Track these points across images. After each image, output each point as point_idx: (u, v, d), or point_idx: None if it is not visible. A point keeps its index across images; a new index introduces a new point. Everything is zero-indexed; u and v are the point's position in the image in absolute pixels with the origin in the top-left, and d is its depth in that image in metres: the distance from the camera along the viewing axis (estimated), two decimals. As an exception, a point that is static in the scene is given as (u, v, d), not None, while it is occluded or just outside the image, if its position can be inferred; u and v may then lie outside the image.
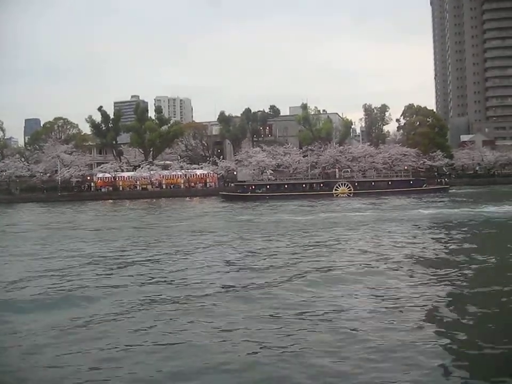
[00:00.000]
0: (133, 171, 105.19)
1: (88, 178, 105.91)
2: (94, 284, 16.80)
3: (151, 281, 17.23)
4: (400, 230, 30.40)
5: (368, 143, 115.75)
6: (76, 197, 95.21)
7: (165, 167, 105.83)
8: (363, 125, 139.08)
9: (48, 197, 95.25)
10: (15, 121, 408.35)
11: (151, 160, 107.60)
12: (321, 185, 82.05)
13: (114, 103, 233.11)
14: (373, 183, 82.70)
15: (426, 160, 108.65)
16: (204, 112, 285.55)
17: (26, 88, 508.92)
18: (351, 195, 76.96)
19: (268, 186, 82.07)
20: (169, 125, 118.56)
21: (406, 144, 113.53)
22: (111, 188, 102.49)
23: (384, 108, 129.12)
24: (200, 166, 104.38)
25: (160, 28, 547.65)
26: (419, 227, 31.67)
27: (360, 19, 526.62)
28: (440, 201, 57.28)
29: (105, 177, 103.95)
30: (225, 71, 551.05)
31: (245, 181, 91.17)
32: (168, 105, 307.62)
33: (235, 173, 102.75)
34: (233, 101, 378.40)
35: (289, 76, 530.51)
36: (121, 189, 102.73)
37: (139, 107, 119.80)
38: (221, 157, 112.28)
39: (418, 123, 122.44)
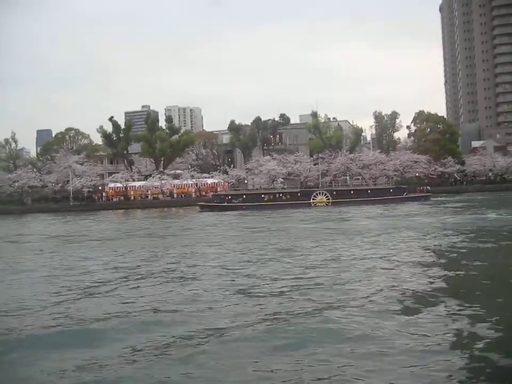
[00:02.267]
0: (144, 180, 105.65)
1: (100, 188, 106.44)
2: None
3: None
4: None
5: (379, 150, 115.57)
6: (88, 206, 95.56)
7: (176, 176, 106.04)
8: (373, 132, 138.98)
9: (60, 207, 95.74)
10: (27, 132, 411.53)
11: (162, 169, 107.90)
12: (299, 194, 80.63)
13: (125, 113, 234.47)
14: (352, 192, 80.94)
15: (437, 166, 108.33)
16: (214, 121, 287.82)
17: (37, 99, 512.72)
18: (329, 204, 75.93)
19: (245, 196, 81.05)
20: (179, 134, 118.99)
21: (417, 151, 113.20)
22: (122, 198, 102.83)
23: (394, 115, 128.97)
24: (211, 175, 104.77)
25: (169, 37, 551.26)
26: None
27: (365, 23, 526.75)
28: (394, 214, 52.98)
29: (117, 187, 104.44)
30: (235, 78, 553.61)
31: (221, 191, 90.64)
32: (179, 115, 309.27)
33: (246, 181, 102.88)
34: (243, 109, 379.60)
35: (298, 83, 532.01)
36: (132, 198, 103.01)
37: (150, 117, 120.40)
38: (232, 165, 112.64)
39: (429, 130, 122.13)
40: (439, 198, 78.01)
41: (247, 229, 41.84)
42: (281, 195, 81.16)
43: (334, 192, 79.55)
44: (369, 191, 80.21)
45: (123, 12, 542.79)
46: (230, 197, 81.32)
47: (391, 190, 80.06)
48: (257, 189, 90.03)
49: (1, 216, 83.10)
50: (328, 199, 77.54)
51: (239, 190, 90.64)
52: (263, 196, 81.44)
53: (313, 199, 77.86)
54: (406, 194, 78.94)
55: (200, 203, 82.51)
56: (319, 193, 79.06)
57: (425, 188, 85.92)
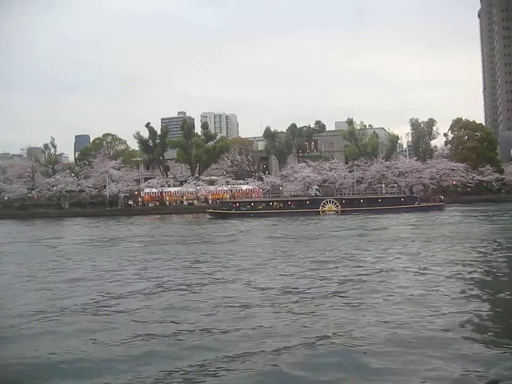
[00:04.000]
0: (179, 186, 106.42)
1: (136, 193, 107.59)
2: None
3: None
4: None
5: (415, 158, 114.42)
6: (124, 211, 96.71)
7: (211, 183, 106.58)
8: (410, 140, 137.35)
9: (97, 211, 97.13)
10: (66, 138, 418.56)
11: (197, 175, 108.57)
12: (308, 202, 79.75)
13: (161, 119, 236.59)
14: (362, 201, 79.66)
15: (475, 175, 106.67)
16: (250, 128, 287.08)
17: (76, 105, 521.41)
18: (339, 212, 74.82)
19: (253, 204, 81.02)
20: (215, 140, 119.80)
21: (454, 158, 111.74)
22: (158, 203, 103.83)
23: (431, 122, 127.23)
24: (246, 181, 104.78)
25: (205, 44, 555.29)
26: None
27: (401, 30, 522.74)
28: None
29: (152, 192, 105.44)
30: (270, 85, 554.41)
31: (232, 199, 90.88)
32: (214, 121, 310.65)
33: (280, 188, 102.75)
34: (278, 116, 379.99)
35: (334, 90, 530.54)
36: (167, 203, 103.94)
37: (185, 123, 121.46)
38: (267, 172, 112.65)
39: (466, 137, 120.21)
40: (457, 208, 76.36)
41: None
42: (289, 203, 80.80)
43: (344, 201, 78.54)
44: (379, 200, 78.79)
45: (160, 18, 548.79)
46: (238, 204, 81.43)
47: (402, 199, 78.68)
48: (267, 197, 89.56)
49: (41, 220, 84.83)
50: (337, 207, 76.53)
51: (248, 197, 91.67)
52: (271, 203, 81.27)
53: (322, 207, 76.96)
54: (417, 204, 77.58)
55: (209, 210, 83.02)
56: (328, 202, 78.04)
57: (438, 197, 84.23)
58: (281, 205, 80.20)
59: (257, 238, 41.22)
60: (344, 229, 45.95)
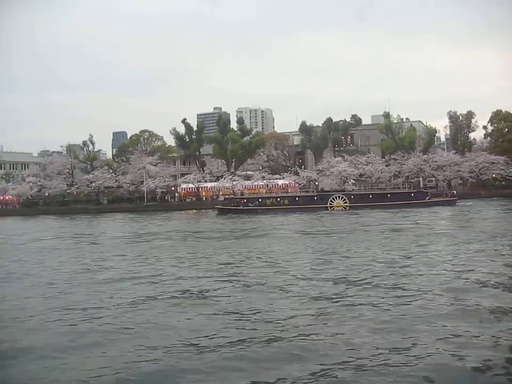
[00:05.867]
0: (215, 181, 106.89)
1: (173, 188, 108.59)
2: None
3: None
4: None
5: (454, 151, 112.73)
6: (161, 207, 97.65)
7: (247, 178, 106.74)
8: (448, 133, 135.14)
9: (135, 207, 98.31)
10: (104, 135, 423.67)
11: (233, 170, 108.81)
12: (316, 198, 79.40)
13: (197, 115, 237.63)
14: (371, 196, 78.80)
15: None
16: (285, 122, 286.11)
17: (114, 102, 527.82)
18: (347, 208, 74.41)
19: (260, 200, 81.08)
20: (251, 135, 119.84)
21: (493, 151, 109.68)
22: (194, 198, 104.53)
23: (470, 115, 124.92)
24: (282, 176, 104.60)
25: (239, 39, 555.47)
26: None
27: (435, 22, 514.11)
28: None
29: (189, 188, 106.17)
30: (305, 79, 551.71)
31: (243, 195, 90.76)
32: (250, 116, 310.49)
33: (316, 183, 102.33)
34: (314, 110, 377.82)
35: (370, 83, 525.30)
36: (204, 199, 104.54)
37: (221, 118, 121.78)
38: (302, 166, 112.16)
39: (507, 129, 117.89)
40: (468, 203, 74.77)
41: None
42: (297, 199, 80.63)
43: (352, 196, 78.03)
44: (389, 195, 77.86)
45: (192, 14, 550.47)
46: (245, 200, 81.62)
47: (412, 195, 77.91)
48: (273, 193, 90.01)
49: (81, 215, 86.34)
50: (346, 203, 76.17)
51: (254, 194, 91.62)
52: (279, 199, 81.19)
53: (330, 203, 76.55)
54: (428, 199, 76.82)
55: (217, 206, 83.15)
56: (337, 197, 77.65)
57: (451, 192, 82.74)
58: (289, 200, 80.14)
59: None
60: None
